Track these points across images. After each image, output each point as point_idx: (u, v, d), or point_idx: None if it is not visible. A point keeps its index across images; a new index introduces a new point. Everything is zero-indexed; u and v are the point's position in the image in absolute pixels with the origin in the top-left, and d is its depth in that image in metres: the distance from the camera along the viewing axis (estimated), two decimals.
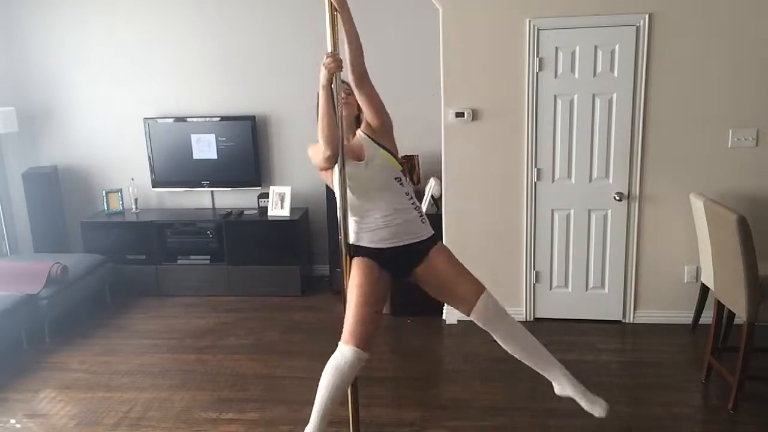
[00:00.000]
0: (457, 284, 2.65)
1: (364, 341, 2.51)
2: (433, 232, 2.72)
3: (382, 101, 2.62)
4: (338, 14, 2.42)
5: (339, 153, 2.50)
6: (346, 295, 2.63)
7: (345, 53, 2.48)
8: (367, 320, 2.54)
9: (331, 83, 2.46)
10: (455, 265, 2.69)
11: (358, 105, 2.65)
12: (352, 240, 2.63)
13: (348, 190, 2.57)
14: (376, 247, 2.61)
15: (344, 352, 2.51)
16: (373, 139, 2.65)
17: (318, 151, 2.56)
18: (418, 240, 2.65)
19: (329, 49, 2.45)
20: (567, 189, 4.21)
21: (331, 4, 2.41)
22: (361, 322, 2.53)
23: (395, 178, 2.65)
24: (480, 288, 2.65)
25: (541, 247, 4.31)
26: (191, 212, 5.40)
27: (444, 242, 4.31)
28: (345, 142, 2.55)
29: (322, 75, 2.45)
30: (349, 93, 2.63)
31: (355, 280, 2.58)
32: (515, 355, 2.75)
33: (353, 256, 2.62)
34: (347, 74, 2.51)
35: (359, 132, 2.70)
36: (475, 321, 2.68)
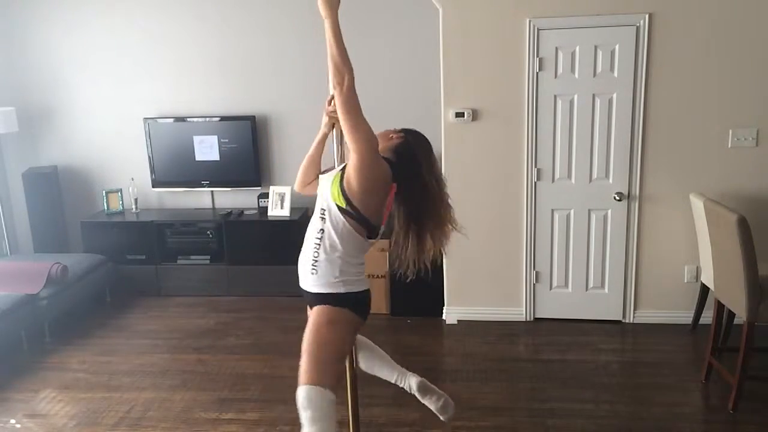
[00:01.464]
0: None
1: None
2: (316, 291, 2.27)
3: (356, 121, 2.12)
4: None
5: (303, 192, 2.54)
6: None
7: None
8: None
9: (331, 130, 2.41)
10: (308, 337, 2.23)
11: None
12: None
13: None
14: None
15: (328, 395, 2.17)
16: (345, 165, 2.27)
17: None
18: (303, 287, 2.33)
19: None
20: (567, 189, 4.21)
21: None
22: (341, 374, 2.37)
23: (321, 209, 2.27)
24: (303, 378, 2.17)
25: (541, 247, 4.31)
26: (191, 212, 5.40)
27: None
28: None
29: (324, 123, 2.42)
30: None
31: (346, 334, 2.30)
32: None
33: None
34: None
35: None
36: None
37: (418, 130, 2.46)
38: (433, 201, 2.42)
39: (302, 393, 2.15)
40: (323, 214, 2.25)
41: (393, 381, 2.73)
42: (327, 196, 2.25)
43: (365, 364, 2.75)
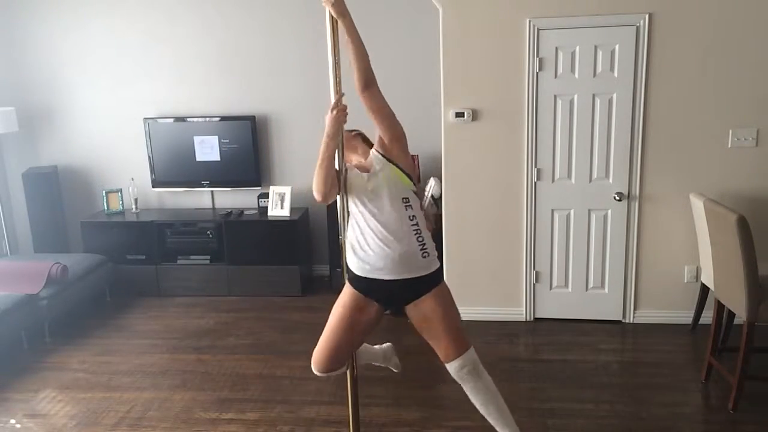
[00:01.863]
0: (441, 338, 2.53)
1: (322, 366, 2.60)
2: (434, 269, 2.50)
3: (390, 112, 2.44)
4: (339, 22, 2.36)
5: (327, 201, 2.51)
6: None
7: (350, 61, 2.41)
8: (329, 348, 2.55)
9: (338, 135, 2.41)
10: (445, 318, 2.51)
11: (364, 138, 2.65)
12: (347, 260, 2.52)
13: (351, 207, 2.48)
14: (364, 276, 2.46)
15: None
16: (384, 156, 2.49)
17: None
18: (413, 276, 2.45)
19: (332, 97, 2.41)
20: (567, 189, 4.21)
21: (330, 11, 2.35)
22: (321, 349, 2.56)
23: (402, 198, 2.45)
24: (461, 348, 2.53)
25: (541, 247, 4.31)
26: (191, 212, 5.40)
27: (444, 242, 4.33)
28: (361, 163, 2.55)
29: (328, 127, 2.39)
30: (355, 134, 2.63)
31: (335, 307, 2.55)
32: (477, 407, 2.68)
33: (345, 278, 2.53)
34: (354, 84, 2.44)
35: (372, 151, 2.55)
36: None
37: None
38: None
39: (469, 357, 2.54)
40: (406, 202, 2.45)
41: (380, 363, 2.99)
42: (397, 183, 2.44)
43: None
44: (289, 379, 3.71)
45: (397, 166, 2.47)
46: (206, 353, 4.11)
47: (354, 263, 2.48)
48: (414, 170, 2.55)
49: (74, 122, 5.47)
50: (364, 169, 2.52)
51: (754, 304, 3.09)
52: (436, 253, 2.52)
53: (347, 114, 2.44)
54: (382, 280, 2.44)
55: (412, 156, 4.39)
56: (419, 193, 2.56)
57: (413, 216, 2.45)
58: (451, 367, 2.54)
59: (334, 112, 2.38)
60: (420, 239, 2.44)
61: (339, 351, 2.53)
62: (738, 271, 3.09)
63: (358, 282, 2.49)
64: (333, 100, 2.42)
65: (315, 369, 2.58)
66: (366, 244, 2.44)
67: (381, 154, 2.50)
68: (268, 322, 4.56)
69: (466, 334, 2.58)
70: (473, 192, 4.28)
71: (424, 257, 2.46)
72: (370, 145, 2.62)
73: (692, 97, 3.98)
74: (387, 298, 2.50)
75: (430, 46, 4.54)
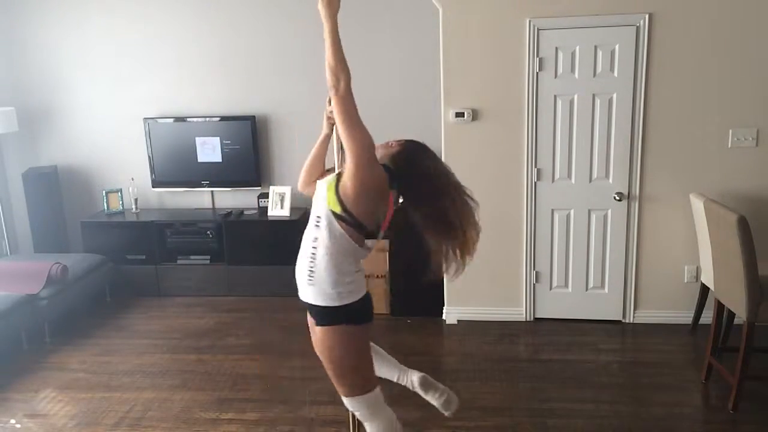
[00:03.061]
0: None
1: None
2: (319, 304, 2.24)
3: (352, 124, 2.09)
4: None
5: (305, 192, 2.42)
6: None
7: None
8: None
9: (332, 131, 2.35)
10: (326, 362, 2.33)
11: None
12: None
13: None
14: None
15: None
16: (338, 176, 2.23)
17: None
18: (305, 301, 2.31)
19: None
20: (567, 189, 4.21)
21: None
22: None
23: (317, 217, 2.22)
24: (341, 393, 2.37)
25: (541, 247, 4.31)
26: (191, 212, 5.40)
27: None
28: None
29: (325, 125, 2.34)
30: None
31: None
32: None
33: None
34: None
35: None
36: None
37: (419, 140, 2.39)
38: (443, 194, 2.34)
39: (346, 403, 2.36)
40: (318, 221, 2.21)
41: (395, 380, 2.72)
42: (323, 202, 2.21)
43: None
44: (289, 379, 3.71)
45: (337, 188, 2.17)
46: (206, 353, 4.11)
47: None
48: (364, 214, 2.18)
49: (74, 122, 5.47)
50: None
51: (754, 304, 3.09)
52: (330, 291, 2.22)
53: None
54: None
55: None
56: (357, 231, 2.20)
57: (316, 238, 2.22)
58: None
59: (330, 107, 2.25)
60: (311, 265, 2.23)
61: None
62: (738, 271, 3.09)
63: None
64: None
65: (354, 396, 2.37)
66: None
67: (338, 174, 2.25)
68: (268, 322, 4.56)
69: (348, 383, 2.33)
70: (473, 192, 4.26)
71: (310, 285, 2.26)
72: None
73: (692, 97, 3.98)
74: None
75: (430, 46, 4.53)
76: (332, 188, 2.19)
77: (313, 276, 2.23)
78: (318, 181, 2.34)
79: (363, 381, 2.34)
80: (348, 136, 2.09)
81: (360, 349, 2.33)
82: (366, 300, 2.32)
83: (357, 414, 2.39)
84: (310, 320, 2.36)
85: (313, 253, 2.22)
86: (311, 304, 2.28)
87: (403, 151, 2.32)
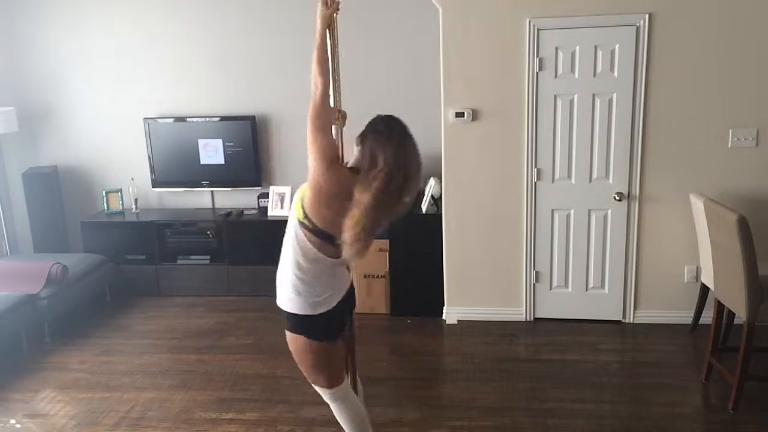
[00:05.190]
0: None
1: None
2: (283, 306, 2.40)
3: (314, 137, 2.18)
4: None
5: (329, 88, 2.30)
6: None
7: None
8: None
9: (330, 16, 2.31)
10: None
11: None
12: None
13: None
14: None
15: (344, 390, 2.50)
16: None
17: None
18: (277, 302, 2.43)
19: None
20: (567, 189, 4.21)
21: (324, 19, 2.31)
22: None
23: (293, 224, 2.30)
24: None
25: (541, 247, 4.31)
26: (191, 212, 5.40)
27: (444, 242, 4.33)
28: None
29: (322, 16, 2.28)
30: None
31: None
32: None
33: None
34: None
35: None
36: None
37: (384, 121, 2.25)
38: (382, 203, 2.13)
39: (323, 393, 2.50)
40: (288, 228, 2.31)
41: None
42: (292, 208, 2.28)
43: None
44: (289, 379, 3.71)
45: (302, 200, 2.24)
46: (206, 353, 4.11)
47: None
48: (320, 217, 2.20)
49: (74, 122, 5.47)
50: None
51: (754, 304, 3.09)
52: (292, 295, 2.35)
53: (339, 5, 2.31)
54: None
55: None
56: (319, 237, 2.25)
57: (285, 242, 2.36)
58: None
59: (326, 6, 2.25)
60: (283, 268, 2.40)
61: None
62: (738, 271, 3.09)
63: None
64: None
65: (321, 387, 2.51)
66: None
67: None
68: (268, 322, 4.56)
69: (313, 379, 2.48)
70: (473, 192, 4.28)
71: (279, 287, 2.44)
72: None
73: (692, 97, 3.98)
74: None
75: (430, 46, 4.53)
76: (299, 194, 2.27)
77: (281, 279, 2.40)
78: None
79: (326, 380, 2.44)
80: (310, 144, 2.17)
81: (318, 361, 2.39)
82: (322, 320, 2.34)
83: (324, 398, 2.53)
84: None
85: (284, 259, 2.37)
86: (279, 306, 2.42)
87: (363, 148, 2.22)
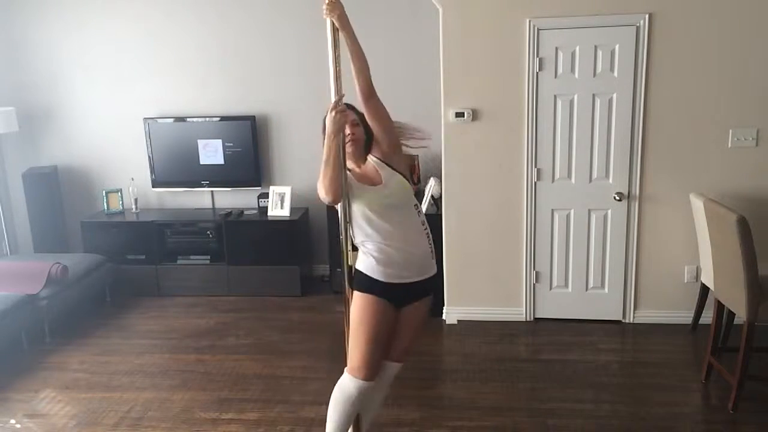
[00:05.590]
0: (407, 339, 2.62)
1: (372, 374, 2.52)
2: (436, 270, 2.61)
3: (391, 121, 2.53)
4: (340, 33, 2.36)
5: (339, 200, 2.44)
6: (348, 315, 2.56)
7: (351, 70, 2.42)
8: (376, 356, 2.52)
9: (338, 135, 2.40)
10: (420, 327, 2.64)
11: (367, 130, 2.55)
12: (365, 270, 2.49)
13: (364, 218, 2.47)
14: (391, 282, 2.48)
15: (356, 384, 2.51)
16: (386, 163, 2.54)
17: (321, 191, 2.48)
18: (427, 277, 2.56)
19: (333, 96, 2.40)
20: (567, 189, 4.21)
21: (332, 22, 2.35)
22: (370, 359, 2.50)
23: (414, 205, 2.55)
24: (406, 356, 2.67)
25: (541, 247, 4.31)
26: (191, 212, 5.40)
27: (444, 242, 4.34)
28: (356, 170, 2.54)
29: (330, 127, 2.37)
30: (356, 124, 2.53)
31: (367, 318, 2.48)
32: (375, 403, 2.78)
33: (361, 288, 2.50)
34: (355, 94, 2.44)
35: (370, 157, 2.57)
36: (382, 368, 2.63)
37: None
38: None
39: (398, 370, 2.68)
40: (417, 207, 2.55)
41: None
42: (406, 191, 2.52)
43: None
44: (289, 379, 3.71)
45: (400, 173, 2.54)
46: (206, 353, 4.11)
47: (378, 271, 2.48)
48: (413, 171, 2.63)
49: (74, 122, 5.47)
50: (369, 180, 2.50)
51: (754, 304, 3.09)
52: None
53: (347, 115, 2.44)
54: (405, 283, 2.50)
55: (411, 156, 4.44)
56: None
57: (424, 221, 2.55)
58: (396, 368, 2.66)
59: (334, 113, 2.37)
60: (430, 242, 2.56)
61: (377, 359, 2.55)
62: (738, 271, 3.09)
63: (383, 288, 2.49)
64: (333, 99, 2.42)
65: (364, 378, 2.51)
66: (391, 253, 2.46)
67: (384, 163, 2.53)
68: (268, 322, 4.56)
69: (353, 354, 2.58)
70: (473, 192, 4.28)
71: (432, 258, 2.57)
72: (367, 147, 2.59)
73: (692, 97, 3.98)
74: (401, 299, 2.53)
75: (430, 46, 4.54)
76: (405, 181, 2.54)
77: (433, 249, 2.58)
78: (360, 186, 2.50)
79: (359, 361, 2.50)
80: (394, 130, 2.55)
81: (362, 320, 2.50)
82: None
83: (391, 378, 2.64)
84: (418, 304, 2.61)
85: (428, 234, 2.56)
86: (434, 275, 2.59)
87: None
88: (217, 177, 5.27)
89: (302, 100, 5.09)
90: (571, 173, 4.18)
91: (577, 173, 4.17)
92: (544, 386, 3.55)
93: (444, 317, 4.48)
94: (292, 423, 3.24)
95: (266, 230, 5.07)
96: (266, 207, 5.18)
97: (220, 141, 5.18)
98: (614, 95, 4.03)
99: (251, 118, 5.15)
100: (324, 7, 2.35)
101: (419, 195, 4.76)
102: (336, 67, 2.41)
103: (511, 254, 4.34)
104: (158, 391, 3.62)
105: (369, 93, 2.45)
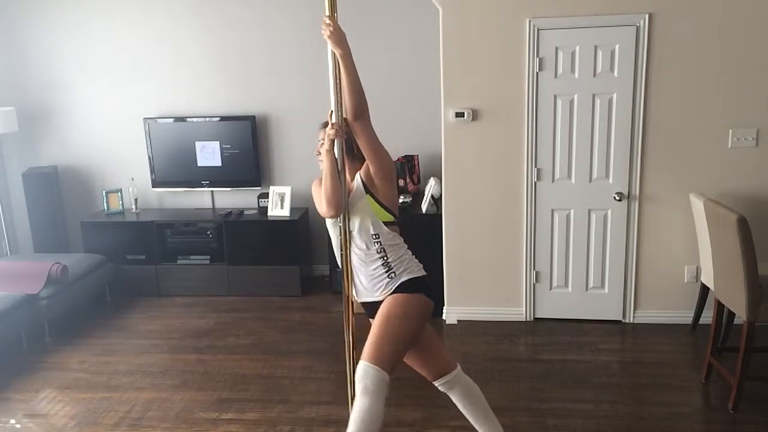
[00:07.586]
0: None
1: (393, 370, 2.56)
2: (404, 279, 2.51)
3: (378, 145, 2.44)
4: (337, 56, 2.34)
5: (340, 213, 2.46)
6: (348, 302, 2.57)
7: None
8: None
9: (334, 148, 2.42)
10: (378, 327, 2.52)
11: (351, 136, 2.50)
12: (413, 273, 2.54)
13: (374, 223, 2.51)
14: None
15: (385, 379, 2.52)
16: (364, 184, 2.48)
17: (318, 201, 2.53)
18: (374, 300, 2.55)
19: (333, 114, 2.42)
20: (567, 189, 4.21)
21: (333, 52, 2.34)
22: (401, 358, 2.61)
23: (372, 234, 2.48)
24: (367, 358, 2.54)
25: (541, 247, 4.31)
26: (191, 212, 5.40)
27: (444, 242, 4.34)
28: (350, 185, 2.53)
29: (327, 142, 2.41)
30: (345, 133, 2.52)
31: (422, 321, 2.55)
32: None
33: (419, 289, 2.52)
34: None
35: (357, 176, 2.52)
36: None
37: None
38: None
39: (360, 369, 2.55)
40: (376, 238, 2.48)
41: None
42: (374, 221, 2.47)
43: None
44: (289, 379, 3.71)
45: (376, 199, 2.47)
46: (206, 353, 4.11)
47: (419, 267, 2.58)
48: (395, 203, 2.54)
49: (74, 122, 5.47)
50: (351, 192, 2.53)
51: (754, 304, 3.09)
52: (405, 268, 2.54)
53: (345, 132, 2.44)
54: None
55: (412, 156, 4.42)
56: (397, 223, 2.55)
57: (381, 249, 2.50)
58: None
59: (330, 130, 2.41)
60: (384, 263, 2.51)
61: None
62: (738, 271, 3.09)
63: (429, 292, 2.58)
64: (332, 108, 2.42)
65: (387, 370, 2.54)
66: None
67: (363, 183, 2.49)
68: (268, 322, 4.56)
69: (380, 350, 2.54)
70: (473, 192, 4.28)
71: (391, 278, 2.52)
72: (360, 161, 2.54)
73: (692, 97, 3.98)
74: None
75: (430, 46, 4.54)
76: (376, 206, 2.48)
77: (393, 268, 2.54)
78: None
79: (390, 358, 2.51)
80: (380, 155, 2.44)
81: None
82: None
83: (358, 385, 2.52)
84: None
85: (383, 257, 2.52)
86: (400, 284, 2.55)
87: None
88: (216, 177, 5.27)
89: (302, 100, 5.09)
90: (571, 173, 4.18)
91: (577, 173, 4.17)
92: (544, 386, 3.55)
93: (444, 317, 4.48)
94: (292, 423, 3.24)
95: (266, 230, 5.07)
96: (266, 207, 5.18)
97: (217, 143, 5.18)
98: (614, 95, 4.03)
99: (251, 118, 5.15)
100: (323, 27, 2.32)
101: (419, 195, 4.77)
102: (336, 87, 2.40)
103: (511, 254, 4.34)
104: (158, 391, 3.62)
105: (355, 114, 2.37)
